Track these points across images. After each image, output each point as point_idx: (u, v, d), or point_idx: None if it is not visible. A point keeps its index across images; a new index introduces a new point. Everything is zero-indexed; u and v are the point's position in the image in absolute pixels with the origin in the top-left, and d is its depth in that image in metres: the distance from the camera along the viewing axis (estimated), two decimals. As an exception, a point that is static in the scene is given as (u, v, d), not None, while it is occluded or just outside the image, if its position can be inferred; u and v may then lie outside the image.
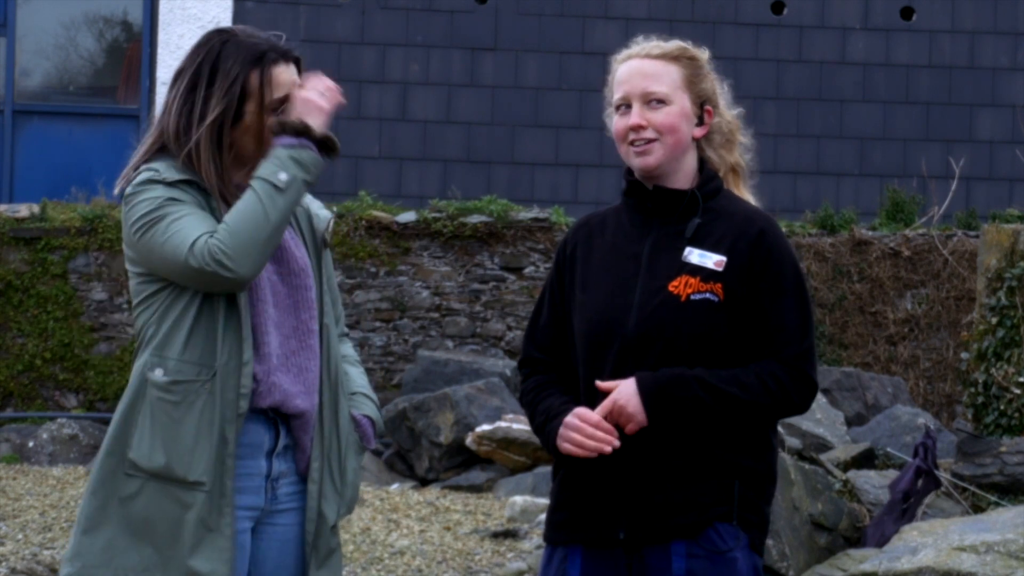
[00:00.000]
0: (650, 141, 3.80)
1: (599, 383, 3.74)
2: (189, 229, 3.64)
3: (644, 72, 3.83)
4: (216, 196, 3.74)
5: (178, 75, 3.80)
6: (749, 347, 3.76)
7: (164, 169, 3.74)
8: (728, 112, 3.94)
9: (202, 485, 3.68)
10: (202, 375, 3.69)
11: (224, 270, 3.61)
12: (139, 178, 3.75)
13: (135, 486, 3.70)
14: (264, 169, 3.68)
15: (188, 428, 3.68)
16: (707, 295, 3.74)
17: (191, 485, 3.67)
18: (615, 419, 3.72)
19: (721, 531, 3.74)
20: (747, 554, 3.77)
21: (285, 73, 3.77)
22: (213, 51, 3.76)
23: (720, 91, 3.93)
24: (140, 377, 3.72)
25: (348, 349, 4.06)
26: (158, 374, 3.70)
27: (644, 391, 3.70)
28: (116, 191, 3.83)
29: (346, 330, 4.08)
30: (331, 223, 3.97)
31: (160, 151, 3.80)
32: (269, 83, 3.75)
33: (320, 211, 3.96)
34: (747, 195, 3.95)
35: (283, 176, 3.67)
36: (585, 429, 3.73)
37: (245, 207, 3.65)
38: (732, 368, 3.74)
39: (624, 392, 3.71)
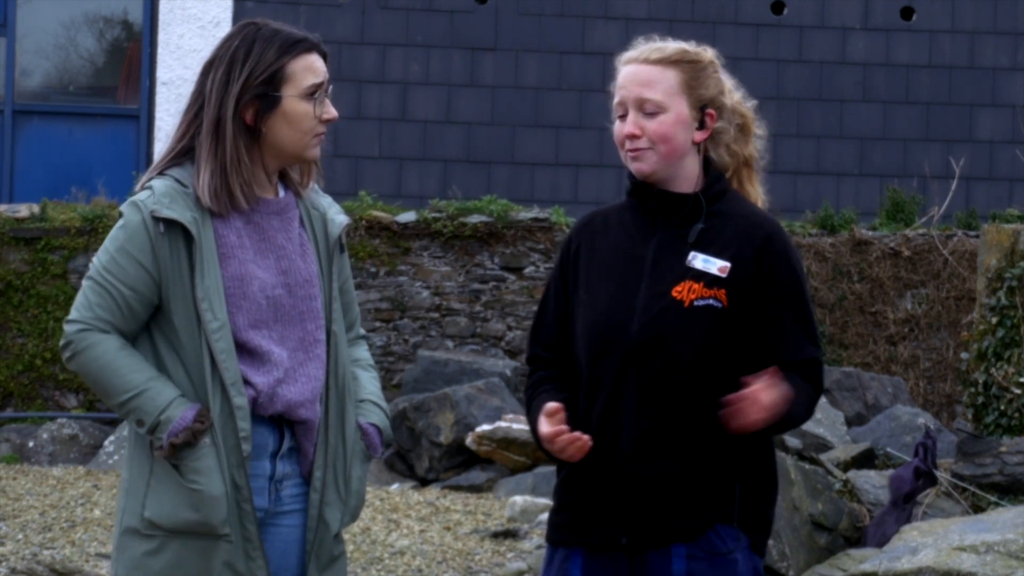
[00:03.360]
0: (644, 149, 3.77)
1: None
2: (81, 302, 3.71)
3: (640, 79, 3.79)
4: (217, 203, 3.71)
5: (211, 63, 3.78)
6: (753, 354, 3.73)
7: (162, 192, 3.71)
8: (744, 105, 3.91)
9: (227, 536, 3.68)
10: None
11: (67, 359, 3.73)
12: (132, 197, 3.74)
13: (154, 545, 3.70)
14: (152, 402, 3.66)
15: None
16: (710, 301, 3.71)
17: (218, 536, 3.68)
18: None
19: (721, 532, 3.72)
20: (748, 555, 3.75)
21: (319, 62, 3.79)
22: (248, 38, 3.76)
23: (730, 86, 3.89)
24: (143, 438, 3.72)
25: (362, 352, 4.04)
26: None
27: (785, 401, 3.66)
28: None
29: (362, 331, 4.06)
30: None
31: (185, 151, 3.77)
32: (306, 69, 3.76)
33: (337, 216, 3.93)
34: (758, 189, 3.91)
35: (141, 420, 3.67)
36: (552, 449, 3.75)
37: (125, 375, 3.67)
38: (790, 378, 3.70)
39: (774, 388, 3.65)
